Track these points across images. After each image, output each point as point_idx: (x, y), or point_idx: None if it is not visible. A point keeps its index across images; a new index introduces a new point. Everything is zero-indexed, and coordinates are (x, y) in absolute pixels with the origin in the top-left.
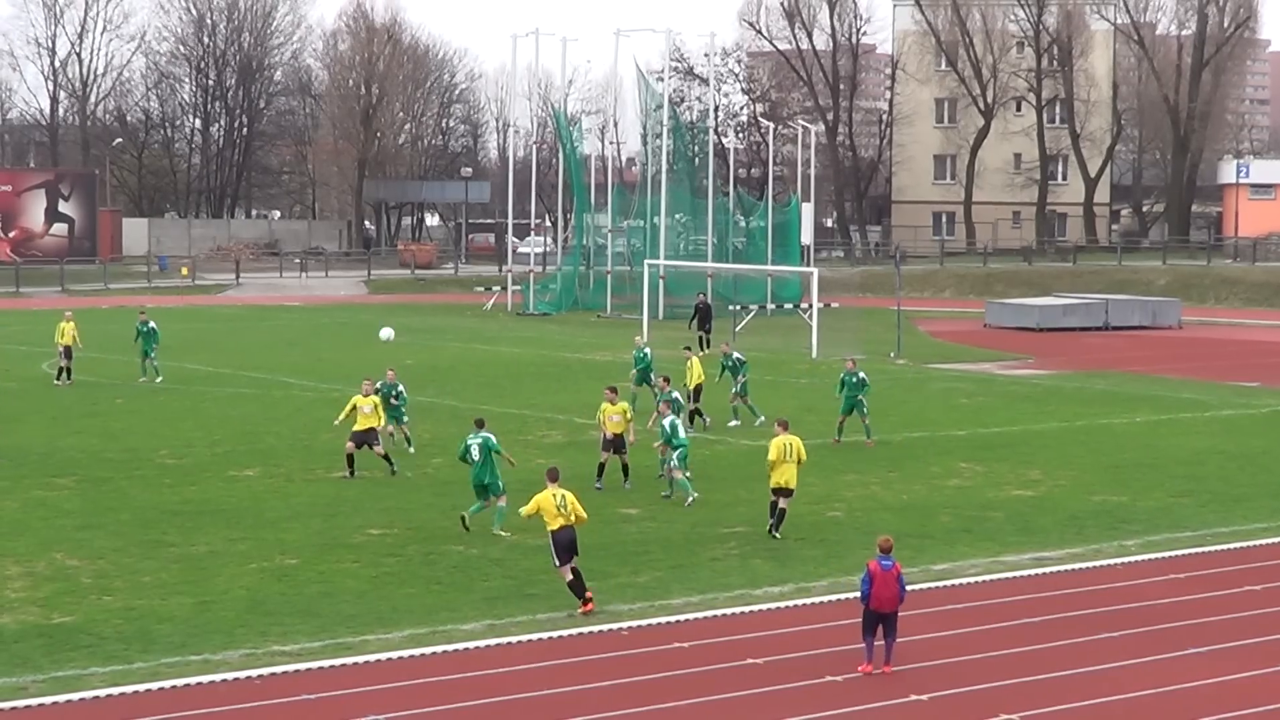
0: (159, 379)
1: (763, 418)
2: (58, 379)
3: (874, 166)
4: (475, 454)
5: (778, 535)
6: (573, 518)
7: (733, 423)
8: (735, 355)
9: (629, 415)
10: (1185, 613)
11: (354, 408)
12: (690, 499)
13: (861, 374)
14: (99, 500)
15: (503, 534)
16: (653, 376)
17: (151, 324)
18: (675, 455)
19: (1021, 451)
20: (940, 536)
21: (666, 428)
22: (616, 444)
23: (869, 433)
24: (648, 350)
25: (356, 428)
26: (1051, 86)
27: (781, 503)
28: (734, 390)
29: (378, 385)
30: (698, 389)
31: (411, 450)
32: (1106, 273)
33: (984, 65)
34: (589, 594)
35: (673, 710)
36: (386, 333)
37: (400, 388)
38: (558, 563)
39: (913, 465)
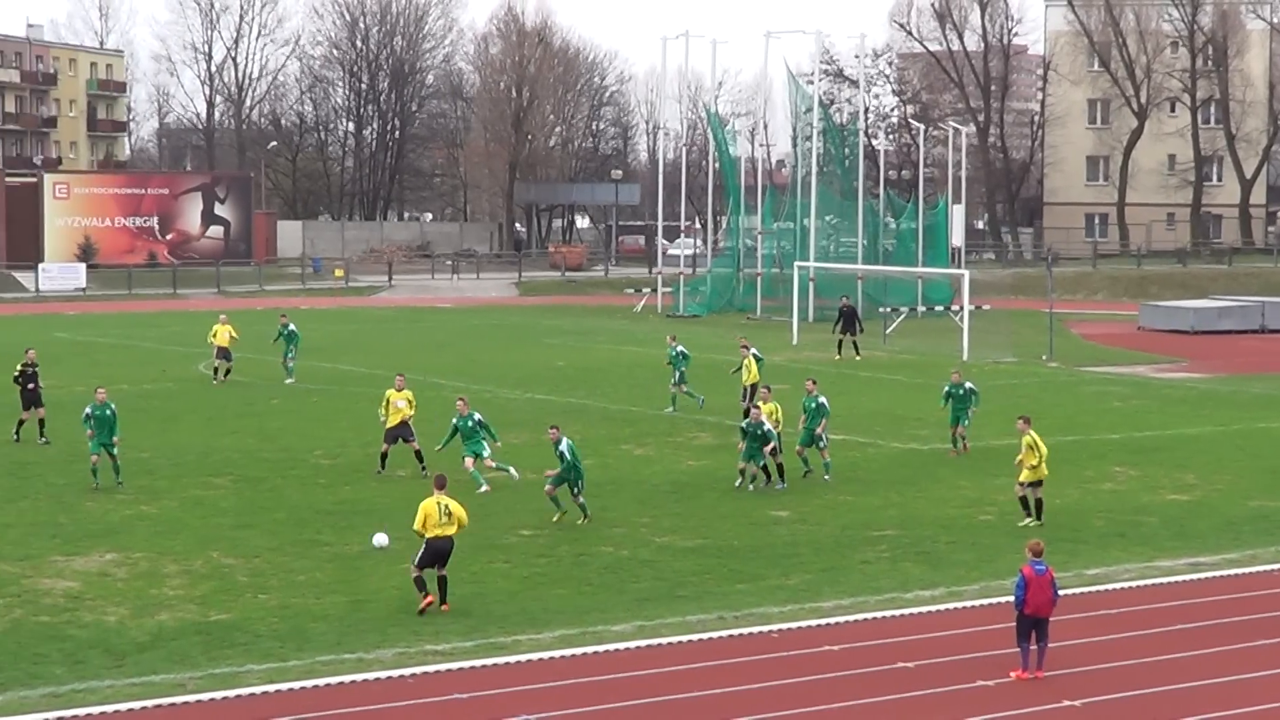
0: (289, 380)
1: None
2: (216, 378)
3: (1025, 168)
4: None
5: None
6: (454, 527)
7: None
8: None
9: (777, 416)
10: None
11: (388, 403)
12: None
13: (969, 384)
14: (255, 500)
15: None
16: (682, 373)
17: (292, 326)
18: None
19: (1176, 455)
20: (1094, 541)
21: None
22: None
23: (958, 442)
24: (680, 348)
25: (390, 424)
26: (1206, 87)
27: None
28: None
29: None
30: (752, 387)
31: (515, 475)
32: (1263, 275)
33: (1137, 65)
34: (431, 598)
35: (823, 713)
36: (380, 539)
37: (477, 416)
38: (418, 564)
39: (1066, 469)
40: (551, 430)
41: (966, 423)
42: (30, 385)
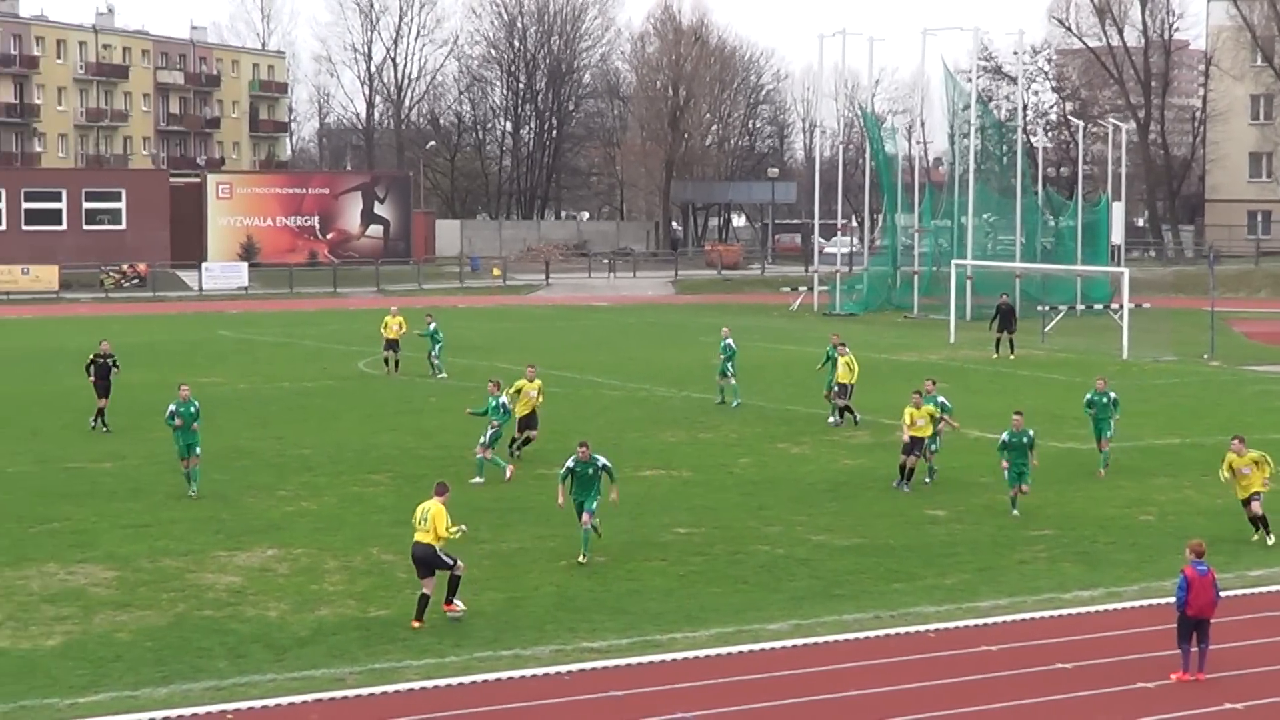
0: (440, 375)
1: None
2: (387, 369)
3: (1187, 165)
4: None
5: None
6: (429, 535)
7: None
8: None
9: (936, 415)
10: None
11: (519, 392)
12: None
13: (1113, 394)
14: (413, 497)
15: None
16: (730, 367)
17: (434, 326)
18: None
19: None
20: (1257, 542)
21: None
22: (915, 446)
23: (1106, 460)
24: (730, 340)
25: (520, 413)
26: None
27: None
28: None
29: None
30: (840, 386)
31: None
32: None
33: None
34: (446, 606)
35: (980, 714)
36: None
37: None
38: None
39: None
40: (581, 448)
41: (1109, 434)
42: (104, 377)
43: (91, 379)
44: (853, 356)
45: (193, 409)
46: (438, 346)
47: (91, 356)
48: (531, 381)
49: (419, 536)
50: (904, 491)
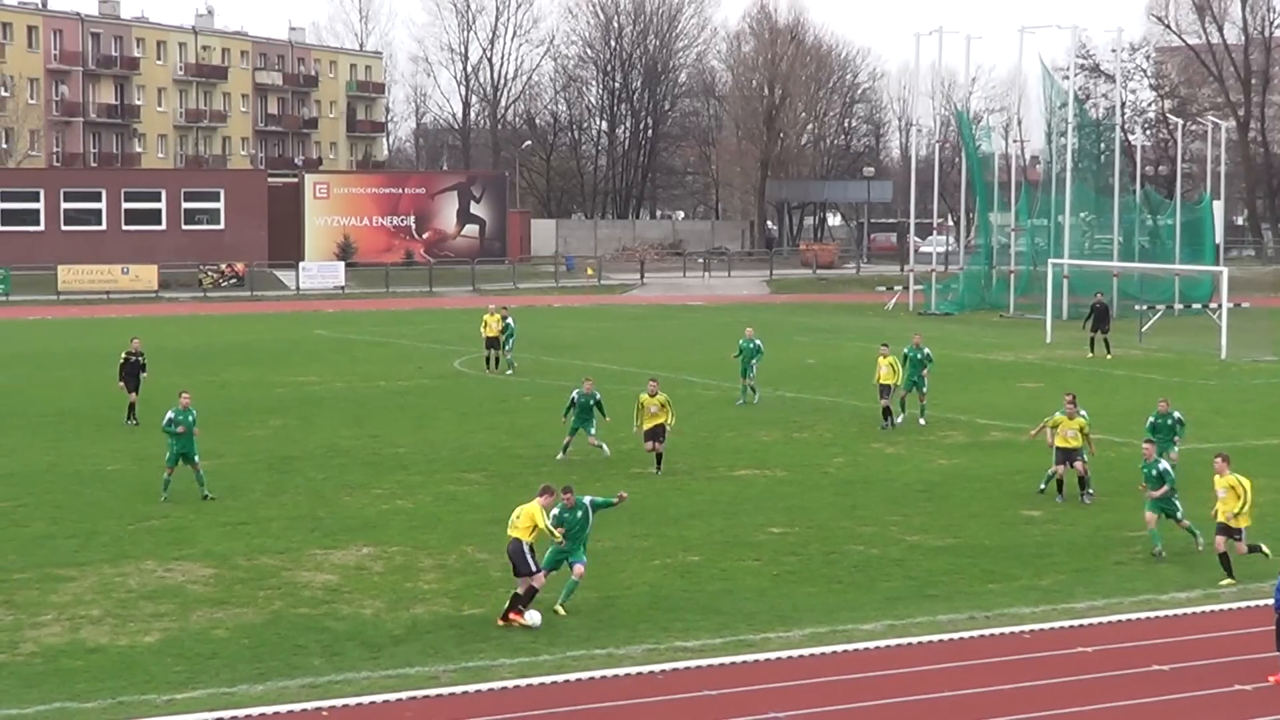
0: (510, 371)
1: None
2: (489, 368)
3: None
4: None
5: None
6: (520, 531)
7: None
8: (925, 350)
9: (1088, 429)
10: None
11: (641, 408)
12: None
13: (1177, 414)
14: (508, 495)
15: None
16: (754, 365)
17: (509, 320)
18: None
19: None
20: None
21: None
22: (1070, 456)
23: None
24: (758, 341)
25: (645, 427)
26: None
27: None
28: (916, 387)
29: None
30: (884, 388)
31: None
32: None
33: None
34: (514, 615)
35: (1076, 715)
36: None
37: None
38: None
39: None
40: (565, 495)
41: (1175, 450)
42: (135, 374)
43: (120, 379)
44: (895, 358)
45: (191, 417)
46: (511, 341)
47: (124, 355)
48: (653, 396)
49: (510, 532)
50: (1057, 501)
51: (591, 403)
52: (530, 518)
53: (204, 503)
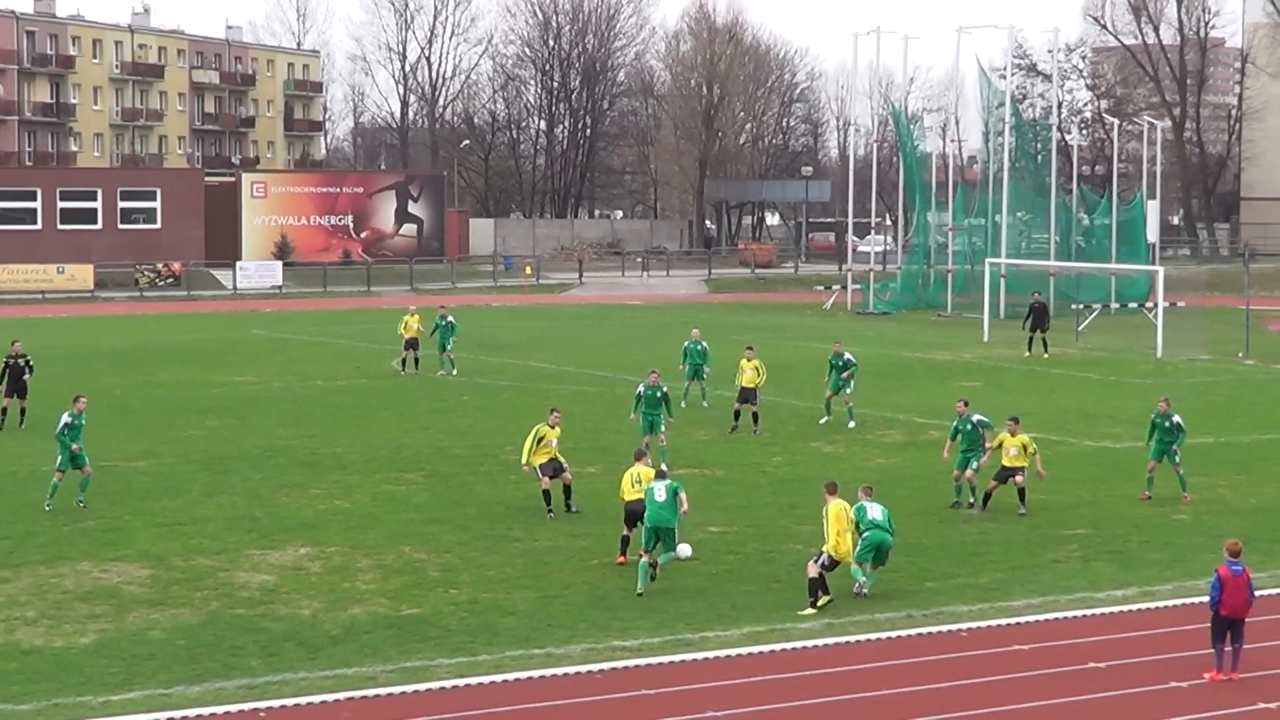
0: (454, 371)
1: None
2: (404, 370)
3: (1222, 163)
4: (660, 494)
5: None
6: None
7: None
8: (846, 355)
9: (1031, 448)
10: None
11: (540, 440)
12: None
13: (1176, 417)
14: (446, 495)
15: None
16: (705, 371)
17: (450, 319)
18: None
19: None
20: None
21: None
22: (1010, 473)
23: (1184, 484)
24: (704, 344)
25: (538, 461)
26: None
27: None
28: (842, 390)
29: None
30: (745, 390)
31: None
32: None
33: None
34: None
35: (1012, 713)
36: (685, 550)
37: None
38: (625, 522)
39: (1262, 468)
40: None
41: (1179, 460)
42: (21, 376)
43: (6, 379)
44: (760, 362)
45: (82, 421)
46: (452, 340)
47: (5, 360)
48: (553, 429)
49: (633, 496)
50: (975, 513)
51: (658, 395)
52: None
53: (142, 503)
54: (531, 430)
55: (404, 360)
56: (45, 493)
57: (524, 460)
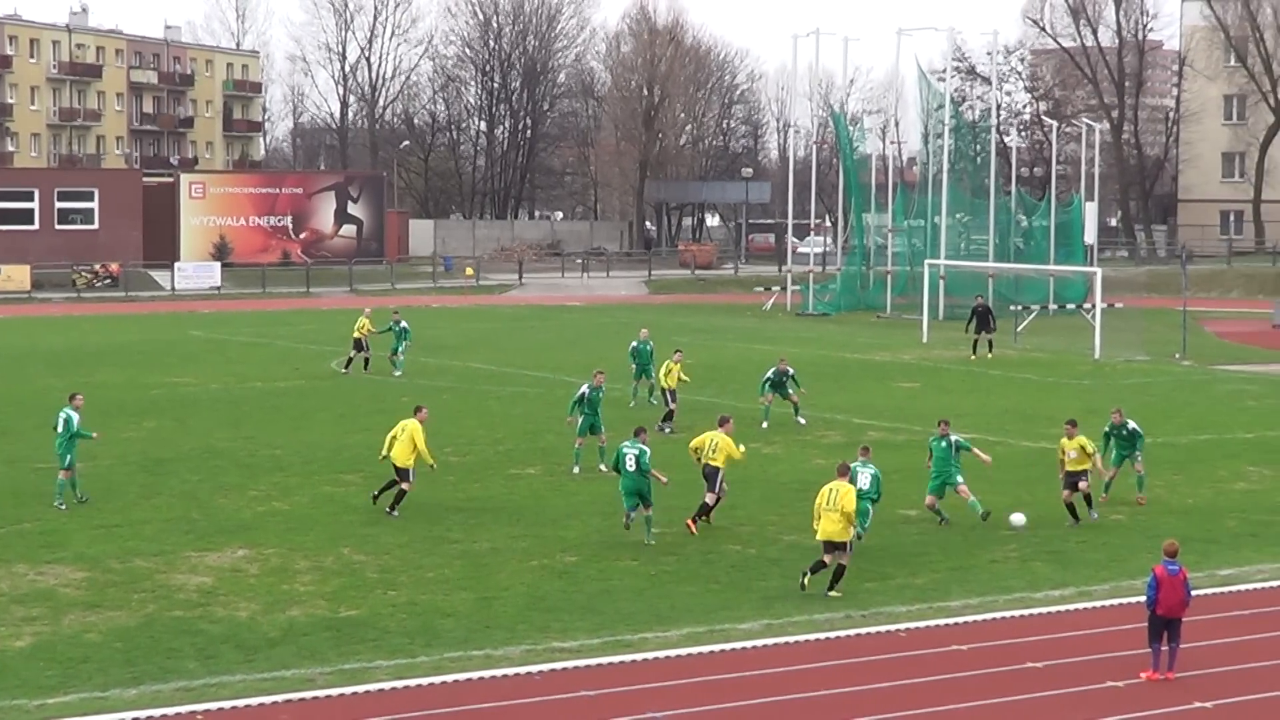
0: (396, 372)
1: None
2: (345, 369)
3: (1160, 165)
4: (630, 464)
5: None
6: (720, 457)
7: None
8: (790, 372)
9: (1090, 449)
10: None
11: (396, 437)
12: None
13: (1132, 424)
14: (385, 497)
15: (652, 543)
16: (651, 370)
17: (404, 324)
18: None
19: None
20: (1226, 541)
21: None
22: (1071, 480)
23: (1142, 485)
24: (652, 344)
25: (394, 459)
26: None
27: (827, 558)
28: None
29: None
30: (667, 390)
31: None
32: None
33: (1275, 60)
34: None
35: (951, 713)
36: (1018, 519)
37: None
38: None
39: (1198, 468)
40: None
41: (1138, 460)
42: None
43: None
44: (681, 369)
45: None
46: (404, 344)
47: None
48: (421, 424)
49: (710, 460)
50: (1071, 526)
51: (601, 396)
52: (727, 448)
53: (78, 505)
54: (402, 426)
55: (349, 360)
56: (30, 491)
57: (428, 453)
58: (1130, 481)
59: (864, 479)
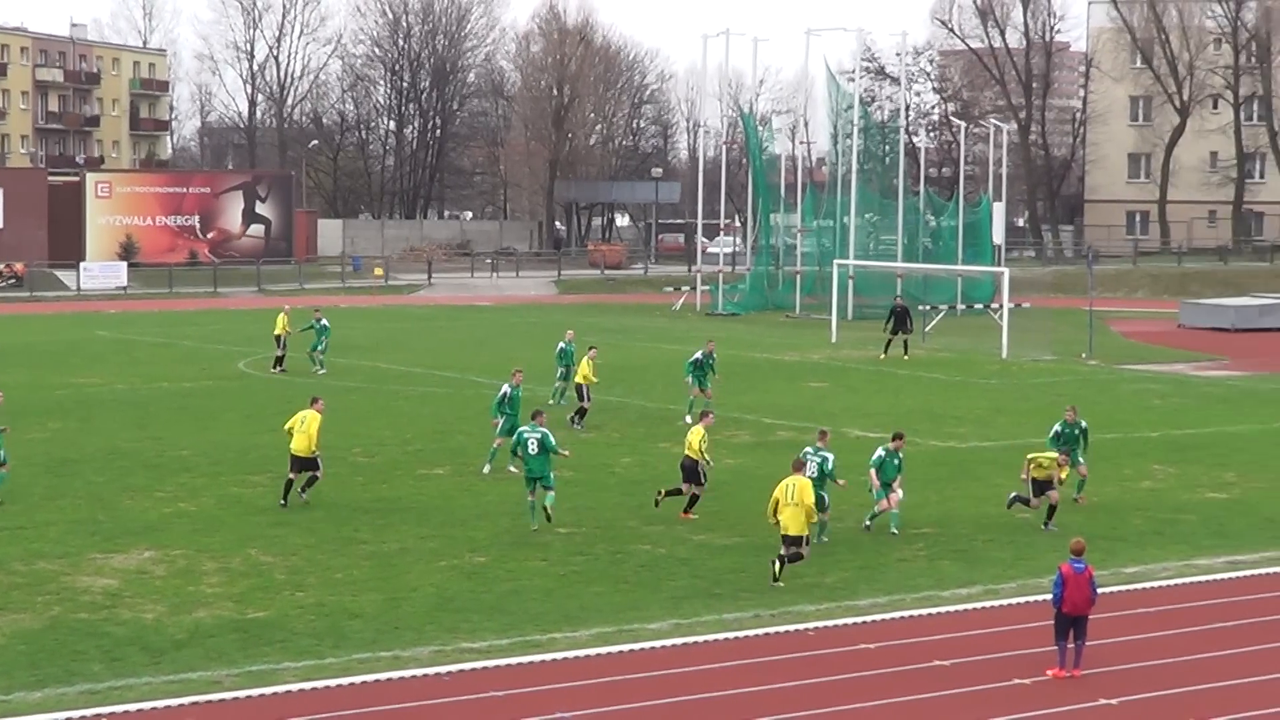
0: (320, 370)
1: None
2: (275, 367)
3: (1067, 165)
4: (532, 448)
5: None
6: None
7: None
8: (701, 354)
9: (1058, 459)
10: None
11: (298, 425)
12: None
13: (1084, 423)
14: (293, 498)
15: (549, 519)
16: (571, 371)
17: (324, 321)
18: None
19: (1216, 454)
20: (1132, 539)
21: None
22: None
23: (1081, 486)
24: (575, 346)
25: (295, 450)
26: (1249, 83)
27: (785, 551)
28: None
29: None
30: (581, 388)
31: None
32: None
33: (1180, 62)
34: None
35: (858, 711)
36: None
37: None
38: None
39: (1104, 467)
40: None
41: (1081, 461)
42: None
43: None
44: (590, 359)
45: None
46: (324, 342)
47: None
48: (316, 415)
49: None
50: (1052, 530)
51: (520, 395)
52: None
53: None
54: (300, 417)
55: (278, 359)
56: None
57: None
58: (1102, 486)
59: (813, 467)
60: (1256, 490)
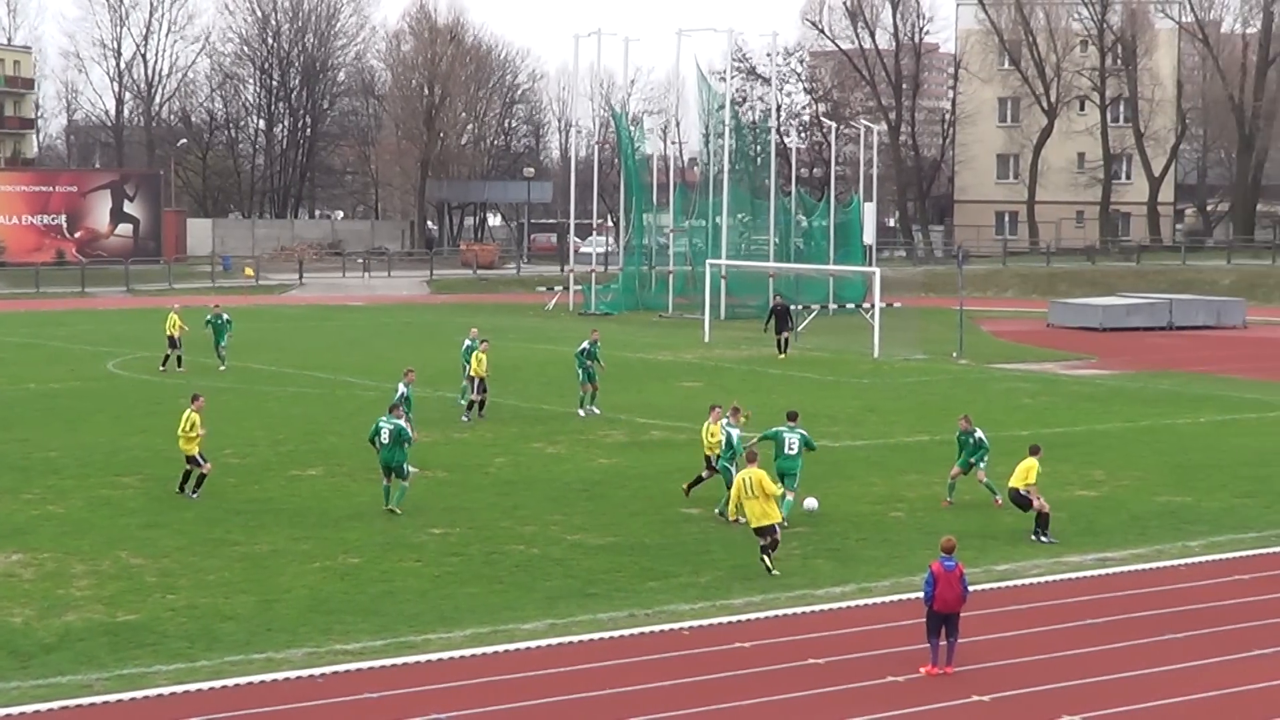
0: (222, 367)
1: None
2: (163, 365)
3: (936, 166)
4: (384, 437)
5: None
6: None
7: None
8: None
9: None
10: (1249, 614)
11: (191, 425)
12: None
13: (979, 433)
14: (163, 499)
15: (397, 511)
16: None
17: (225, 316)
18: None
19: (1085, 452)
20: (1003, 537)
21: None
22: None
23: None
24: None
25: (188, 451)
26: (1115, 85)
27: (763, 542)
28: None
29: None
30: (481, 381)
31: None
32: (1170, 272)
33: (1047, 64)
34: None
35: (733, 710)
36: (811, 503)
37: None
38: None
39: None
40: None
41: (984, 465)
42: None
43: None
44: (482, 352)
45: None
46: (226, 337)
47: None
48: (198, 413)
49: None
50: (1046, 543)
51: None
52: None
53: None
54: (185, 417)
55: (165, 359)
56: None
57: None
58: (975, 485)
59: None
60: (1124, 488)
